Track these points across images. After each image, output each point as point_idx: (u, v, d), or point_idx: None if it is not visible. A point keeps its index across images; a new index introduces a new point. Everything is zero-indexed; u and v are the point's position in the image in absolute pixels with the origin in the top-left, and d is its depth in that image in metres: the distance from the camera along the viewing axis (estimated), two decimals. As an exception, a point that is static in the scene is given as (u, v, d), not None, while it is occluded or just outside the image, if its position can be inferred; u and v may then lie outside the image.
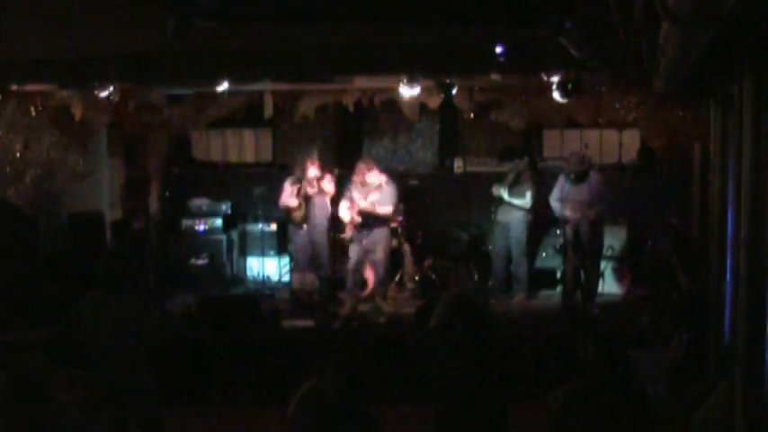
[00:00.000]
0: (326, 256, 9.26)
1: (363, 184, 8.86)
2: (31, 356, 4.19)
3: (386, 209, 8.84)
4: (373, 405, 4.30)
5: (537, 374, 7.35)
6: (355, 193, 8.92)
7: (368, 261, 9.06)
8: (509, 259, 9.72)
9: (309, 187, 9.05)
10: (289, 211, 9.17)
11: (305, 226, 9.11)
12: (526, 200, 9.41)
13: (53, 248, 9.28)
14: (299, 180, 9.09)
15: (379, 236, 8.92)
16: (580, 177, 8.91)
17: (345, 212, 8.99)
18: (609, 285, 9.68)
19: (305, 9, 4.96)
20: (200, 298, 8.56)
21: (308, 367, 6.64)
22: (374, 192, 8.85)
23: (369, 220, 8.86)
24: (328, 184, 9.14)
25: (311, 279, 9.34)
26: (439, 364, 5.42)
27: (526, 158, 9.88)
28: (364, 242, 8.90)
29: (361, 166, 8.97)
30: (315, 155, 9.28)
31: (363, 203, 8.84)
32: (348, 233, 9.01)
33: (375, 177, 8.87)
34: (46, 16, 5.24)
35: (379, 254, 8.95)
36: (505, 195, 9.40)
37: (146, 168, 11.07)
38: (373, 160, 9.35)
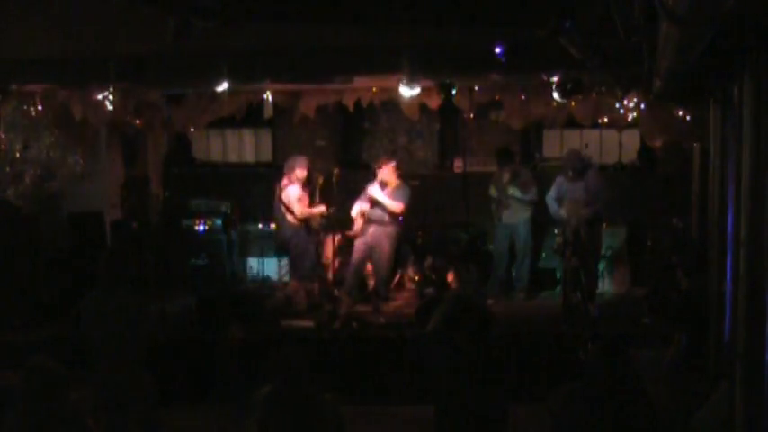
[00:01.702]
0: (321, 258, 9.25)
1: (382, 178, 8.87)
2: (46, 358, 4.21)
3: (396, 205, 8.82)
4: (370, 405, 4.30)
5: (537, 374, 7.35)
6: (372, 187, 8.91)
7: (370, 259, 9.03)
8: (509, 259, 9.73)
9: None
10: (313, 217, 9.07)
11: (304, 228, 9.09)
12: (533, 195, 9.44)
13: (53, 248, 9.27)
14: (306, 184, 9.08)
15: (385, 234, 8.90)
16: (577, 175, 8.92)
17: (356, 207, 8.96)
18: (609, 285, 9.69)
19: (305, 9, 4.96)
20: (199, 298, 8.55)
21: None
22: (388, 188, 8.87)
23: (375, 215, 8.84)
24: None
25: (310, 281, 9.31)
26: (438, 364, 5.41)
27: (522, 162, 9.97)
28: (369, 239, 8.89)
29: (382, 159, 9.01)
30: (306, 158, 9.28)
31: (376, 196, 8.81)
32: (355, 228, 8.94)
33: (389, 175, 8.88)
34: (46, 16, 5.24)
35: (383, 253, 8.93)
36: (516, 193, 9.41)
37: (146, 168, 11.07)
38: (391, 158, 9.30)
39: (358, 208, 8.93)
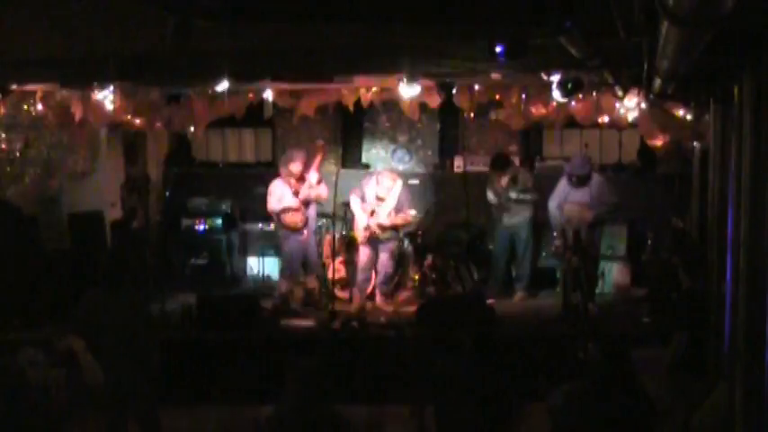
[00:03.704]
0: (317, 258, 9.26)
1: (379, 185, 8.89)
2: (7, 359, 4.20)
3: (403, 216, 8.88)
4: (370, 405, 4.31)
5: (537, 374, 7.35)
6: (369, 192, 8.88)
7: (378, 260, 9.06)
8: (509, 259, 9.72)
9: (304, 189, 9.00)
10: (285, 215, 8.93)
11: (304, 231, 8.98)
12: (534, 194, 9.43)
13: (53, 248, 9.27)
14: (292, 180, 8.98)
15: (392, 237, 9.00)
16: (582, 180, 8.90)
17: (359, 210, 8.93)
18: (609, 285, 9.69)
19: (305, 9, 4.96)
20: (199, 298, 8.55)
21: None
22: (390, 194, 8.86)
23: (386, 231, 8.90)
24: (322, 188, 9.08)
25: (306, 281, 9.29)
26: (440, 364, 5.41)
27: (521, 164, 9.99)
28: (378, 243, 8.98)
29: (381, 173, 9.04)
30: (309, 151, 9.22)
31: (380, 210, 8.83)
32: (364, 236, 8.94)
33: (389, 180, 8.90)
34: (46, 16, 5.23)
35: (388, 254, 9.01)
36: (519, 195, 9.40)
37: (146, 168, 11.08)
38: (390, 171, 9.31)
39: (360, 211, 8.91)
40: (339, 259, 9.58)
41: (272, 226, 10.16)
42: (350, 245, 9.70)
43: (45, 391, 6.39)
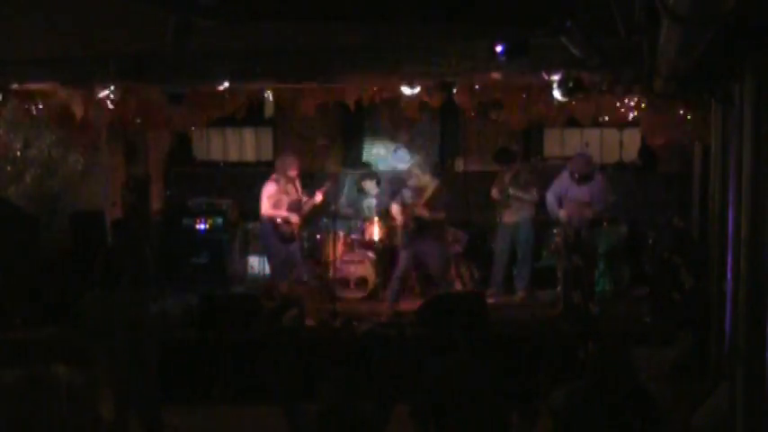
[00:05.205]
0: (301, 259, 9.34)
1: (417, 188, 8.80)
2: (57, 366, 4.19)
3: (439, 214, 8.79)
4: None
5: (537, 374, 7.34)
6: (407, 196, 8.81)
7: (419, 266, 8.98)
8: (510, 259, 9.71)
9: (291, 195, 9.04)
10: (283, 224, 9.04)
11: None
12: (533, 195, 9.43)
13: (53, 248, 9.27)
14: (289, 186, 9.04)
15: (433, 245, 8.87)
16: (584, 178, 8.90)
17: (400, 215, 8.84)
18: (609, 285, 9.68)
19: (305, 8, 4.96)
20: (200, 297, 8.55)
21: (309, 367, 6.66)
22: (427, 195, 8.81)
23: (423, 228, 8.76)
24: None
25: (280, 280, 9.31)
26: (439, 364, 5.41)
27: (522, 162, 9.97)
28: (416, 249, 8.83)
29: (413, 170, 8.96)
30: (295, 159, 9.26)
31: (416, 208, 8.74)
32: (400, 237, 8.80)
33: (427, 180, 8.85)
34: (46, 16, 5.24)
35: (432, 266, 8.94)
36: (517, 193, 9.40)
37: (146, 167, 11.07)
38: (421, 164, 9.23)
39: (399, 215, 8.84)
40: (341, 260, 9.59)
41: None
42: (352, 245, 9.69)
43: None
